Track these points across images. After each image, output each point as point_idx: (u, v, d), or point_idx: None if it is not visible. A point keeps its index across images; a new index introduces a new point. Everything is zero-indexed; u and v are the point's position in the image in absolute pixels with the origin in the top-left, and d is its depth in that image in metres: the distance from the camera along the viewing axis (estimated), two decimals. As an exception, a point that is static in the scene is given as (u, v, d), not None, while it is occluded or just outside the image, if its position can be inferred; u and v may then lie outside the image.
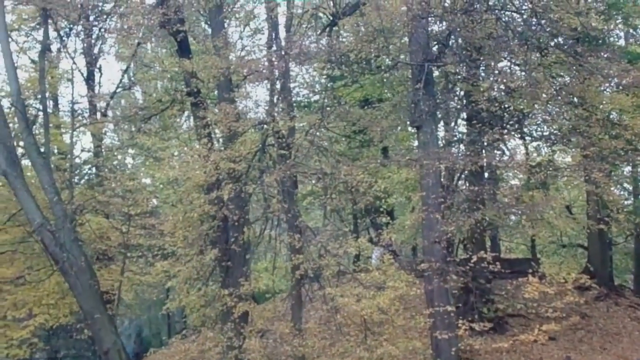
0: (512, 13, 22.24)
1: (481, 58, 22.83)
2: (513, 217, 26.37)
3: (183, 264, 21.31)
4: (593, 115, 24.09)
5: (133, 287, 30.34)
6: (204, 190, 21.87)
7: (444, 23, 22.39)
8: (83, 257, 24.36)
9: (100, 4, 27.32)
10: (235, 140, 21.20)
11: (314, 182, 24.28)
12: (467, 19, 21.12)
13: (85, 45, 30.67)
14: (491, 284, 25.45)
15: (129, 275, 29.14)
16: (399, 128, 29.34)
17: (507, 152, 24.95)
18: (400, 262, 26.08)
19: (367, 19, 22.96)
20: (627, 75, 22.25)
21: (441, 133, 24.86)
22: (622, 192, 33.44)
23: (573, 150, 26.00)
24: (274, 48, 23.03)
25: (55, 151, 31.60)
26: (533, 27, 21.67)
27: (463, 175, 24.24)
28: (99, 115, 33.98)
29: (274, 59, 22.27)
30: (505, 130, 24.19)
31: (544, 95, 23.09)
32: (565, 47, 22.79)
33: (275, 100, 22.79)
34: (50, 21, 27.66)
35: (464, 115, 25.49)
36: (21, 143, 26.66)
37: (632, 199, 33.04)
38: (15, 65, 26.16)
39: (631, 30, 31.13)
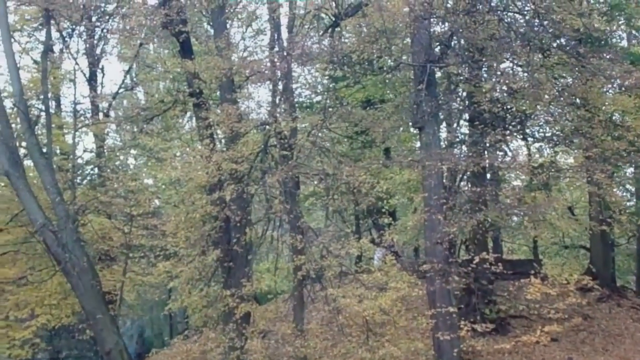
0: (515, 14, 22.22)
1: (483, 59, 22.81)
2: (515, 218, 26.39)
3: (185, 265, 21.30)
4: (595, 117, 24.08)
5: (135, 287, 30.38)
6: (206, 190, 21.88)
7: (447, 24, 22.39)
8: (85, 257, 24.37)
9: (103, 4, 27.33)
10: (238, 141, 21.19)
11: (316, 182, 24.28)
12: (470, 20, 21.12)
13: (87, 45, 30.65)
14: (493, 285, 25.41)
15: (131, 276, 29.16)
16: (401, 129, 29.33)
17: (510, 153, 24.92)
18: (402, 263, 26.03)
19: (369, 20, 22.96)
20: (630, 77, 22.19)
21: (443, 134, 24.90)
22: (624, 194, 33.43)
23: (575, 151, 26.00)
24: (276, 49, 23.04)
25: (58, 152, 31.61)
26: (535, 28, 21.66)
27: (465, 176, 24.24)
28: (101, 115, 34.05)
29: (276, 59, 22.27)
30: (508, 131, 24.17)
31: (546, 97, 23.08)
32: (568, 48, 22.75)
33: (277, 101, 22.82)
34: (52, 22, 27.66)
35: (466, 116, 25.48)
36: (23, 143, 26.71)
37: (635, 200, 33.01)
38: (18, 65, 26.22)
39: (634, 32, 31.07)
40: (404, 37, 23.82)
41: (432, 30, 22.50)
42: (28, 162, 27.24)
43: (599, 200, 25.77)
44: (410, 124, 24.67)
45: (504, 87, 23.06)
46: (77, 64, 31.68)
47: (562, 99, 23.37)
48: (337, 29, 27.03)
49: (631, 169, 31.37)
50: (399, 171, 27.45)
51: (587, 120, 23.87)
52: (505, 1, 22.28)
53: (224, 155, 20.53)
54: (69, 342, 34.63)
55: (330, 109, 25.39)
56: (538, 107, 24.13)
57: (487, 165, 23.70)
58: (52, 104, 31.54)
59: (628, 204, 32.02)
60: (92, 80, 33.58)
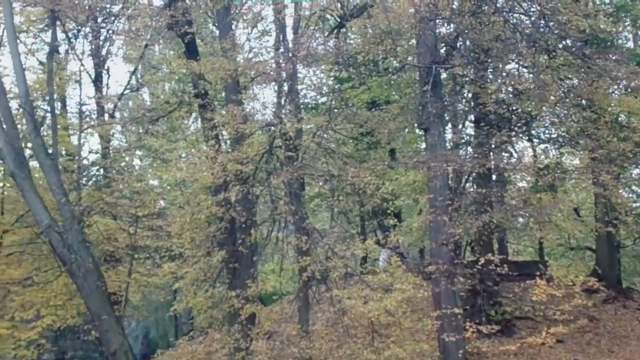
0: (520, 15, 22.19)
1: (489, 60, 22.79)
2: (521, 220, 26.35)
3: (190, 266, 21.30)
4: (601, 118, 24.07)
5: (140, 288, 30.41)
6: (212, 191, 21.89)
7: (452, 25, 22.37)
8: (91, 258, 24.37)
9: (108, 5, 27.32)
10: (243, 142, 21.18)
11: (321, 184, 24.28)
12: (475, 21, 21.09)
13: (93, 46, 30.68)
14: (499, 286, 25.40)
15: (137, 277, 29.20)
16: (407, 130, 29.32)
17: (515, 155, 24.89)
18: (407, 265, 26.06)
19: (374, 21, 22.95)
20: (636, 78, 22.18)
21: (449, 135, 24.83)
22: (630, 195, 33.29)
23: (581, 152, 25.95)
24: (282, 50, 23.03)
25: (63, 152, 31.68)
26: (541, 29, 21.64)
27: (471, 178, 24.22)
28: (106, 116, 34.08)
29: (281, 60, 22.28)
30: (513, 133, 24.16)
31: (552, 98, 23.04)
32: (574, 49, 22.74)
33: (282, 102, 22.81)
34: (58, 23, 27.67)
35: (472, 117, 25.45)
36: (29, 144, 26.71)
37: (641, 201, 32.98)
38: (24, 66, 26.23)
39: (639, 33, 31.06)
40: (409, 38, 23.81)
41: (437, 31, 22.47)
42: (34, 163, 27.23)
43: (605, 201, 25.76)
44: (416, 125, 24.68)
45: (510, 88, 23.05)
46: (82, 65, 31.72)
47: (567, 100, 23.36)
48: (343, 30, 26.97)
49: (637, 170, 31.38)
50: (405, 172, 27.45)
51: (593, 121, 23.85)
52: (510, 2, 22.23)
53: (229, 156, 20.52)
54: (74, 342, 34.65)
55: (335, 110, 25.36)
56: (544, 108, 24.12)
57: (492, 167, 23.67)
58: (58, 105, 31.55)
59: (634, 205, 31.91)
60: (97, 81, 33.66)
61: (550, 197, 23.99)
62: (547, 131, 26.72)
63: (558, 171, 24.78)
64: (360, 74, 28.25)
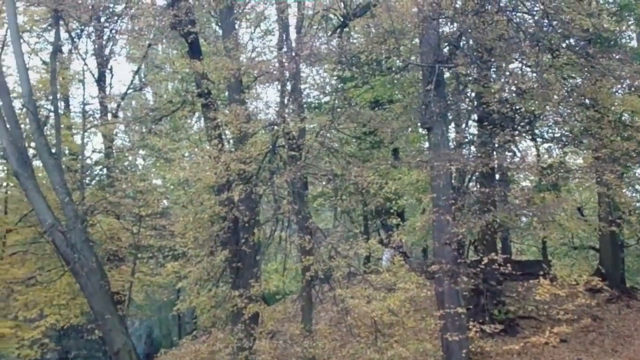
0: (524, 14, 22.15)
1: (492, 59, 22.76)
2: (524, 219, 26.29)
3: (193, 265, 21.30)
4: (605, 117, 24.00)
5: (144, 287, 30.45)
6: (215, 191, 21.91)
7: (455, 24, 22.34)
8: (94, 257, 24.40)
9: (112, 5, 27.35)
10: (246, 142, 21.19)
11: (324, 183, 24.29)
12: (478, 20, 21.07)
13: (96, 46, 30.73)
14: (502, 285, 25.35)
15: (140, 276, 29.22)
16: (410, 129, 29.25)
17: (518, 154, 24.86)
18: (410, 264, 26.01)
19: (377, 20, 22.92)
20: (639, 77, 22.15)
21: (452, 134, 24.83)
22: (634, 194, 33.26)
23: (584, 151, 25.90)
24: (285, 49, 23.03)
25: (67, 152, 31.71)
26: (544, 29, 21.61)
27: (474, 177, 24.21)
28: (109, 116, 34.17)
29: (284, 60, 22.26)
30: (517, 132, 24.13)
31: (555, 97, 23.00)
32: (577, 48, 22.69)
33: (285, 102, 22.81)
34: (61, 22, 27.71)
35: (475, 116, 25.42)
36: (33, 144, 26.76)
37: (644, 200, 32.92)
38: (27, 66, 26.28)
39: (643, 32, 31.00)
40: (412, 37, 23.80)
41: (440, 30, 22.46)
42: (37, 163, 27.29)
43: (609, 200, 25.70)
44: (419, 124, 24.64)
45: (513, 88, 23.02)
46: (86, 64, 31.83)
47: (571, 99, 23.31)
48: (346, 29, 27.02)
49: (641, 169, 31.31)
50: (408, 172, 27.43)
51: (597, 120, 23.80)
52: (514, 1, 22.22)
53: (233, 155, 20.53)
54: (77, 342, 34.72)
55: (338, 110, 25.37)
56: (547, 107, 24.07)
57: (495, 166, 23.65)
58: (61, 104, 31.66)
59: (638, 204, 31.84)
60: (100, 80, 33.71)
61: (553, 197, 23.97)
62: (550, 130, 26.71)
63: (561, 170, 24.75)
64: (364, 73, 28.23)
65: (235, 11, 24.22)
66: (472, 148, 24.80)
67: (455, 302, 20.73)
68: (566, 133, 25.65)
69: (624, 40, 30.22)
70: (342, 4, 23.68)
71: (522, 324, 25.76)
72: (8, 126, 24.17)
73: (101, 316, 23.98)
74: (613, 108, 25.34)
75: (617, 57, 22.85)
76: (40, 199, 24.09)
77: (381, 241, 24.64)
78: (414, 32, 22.71)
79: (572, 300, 21.38)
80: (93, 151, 35.71)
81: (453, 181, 22.32)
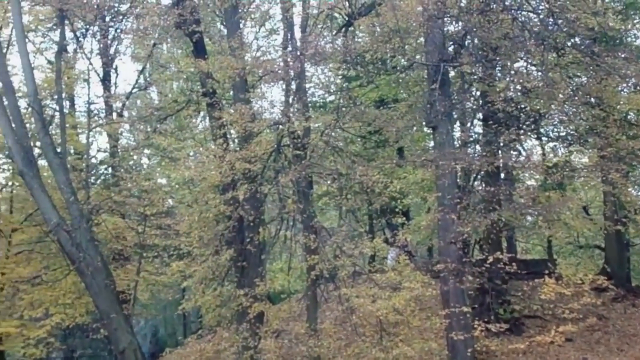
0: (529, 13, 22.12)
1: (497, 58, 22.76)
2: (529, 218, 26.30)
3: (199, 264, 21.31)
4: (610, 116, 23.99)
5: (149, 287, 30.45)
6: (220, 190, 21.91)
7: (460, 23, 22.32)
8: (99, 257, 24.40)
9: (117, 4, 27.36)
10: (251, 141, 21.18)
11: (329, 182, 24.28)
12: (483, 19, 21.04)
13: (101, 45, 30.71)
14: (507, 284, 25.36)
15: (145, 275, 29.22)
16: (415, 128, 29.28)
17: (524, 153, 24.90)
18: (416, 263, 26.04)
19: (382, 19, 22.90)
20: (645, 75, 22.15)
21: (457, 133, 24.78)
22: (639, 193, 33.24)
23: (590, 150, 25.90)
24: (290, 48, 23.01)
25: (72, 151, 31.73)
26: (550, 27, 21.56)
27: (479, 176, 24.19)
28: (115, 115, 34.15)
29: (289, 59, 22.25)
30: (522, 131, 24.12)
31: (560, 96, 22.96)
32: (582, 47, 22.66)
33: (290, 101, 22.79)
34: (66, 22, 27.70)
35: (480, 115, 25.41)
36: (38, 143, 26.74)
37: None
38: (32, 65, 26.26)
39: (649, 30, 30.95)
40: (417, 36, 23.76)
41: (445, 29, 22.45)
42: (42, 162, 27.29)
43: (614, 199, 25.68)
44: (424, 123, 24.66)
45: (518, 87, 22.99)
46: (91, 63, 31.86)
47: (576, 98, 23.27)
48: (351, 28, 26.90)
49: (646, 168, 31.24)
50: (413, 171, 27.44)
51: (602, 119, 23.78)
52: (519, 0, 22.19)
53: (237, 154, 20.53)
54: (83, 341, 34.82)
55: (343, 109, 25.32)
56: (552, 106, 24.04)
57: (501, 165, 23.65)
58: (66, 103, 31.62)
59: (643, 203, 31.84)
60: (105, 80, 33.76)
61: (559, 196, 23.94)
62: (555, 129, 26.68)
63: (567, 169, 24.74)
64: (368, 73, 28.22)
65: (240, 10, 24.20)
66: (477, 147, 24.82)
67: (460, 301, 20.72)
68: (571, 132, 25.64)
69: (629, 39, 30.18)
70: (347, 3, 23.62)
71: (527, 323, 25.76)
72: (13, 125, 24.18)
73: (106, 315, 23.97)
74: (618, 107, 25.34)
75: (623, 55, 22.79)
76: (45, 198, 24.10)
77: (386, 240, 24.68)
78: (419, 31, 22.70)
79: (578, 299, 21.34)
80: (98, 150, 35.86)
81: (458, 180, 22.31)
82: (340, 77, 31.51)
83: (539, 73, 22.56)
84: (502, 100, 21.91)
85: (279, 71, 22.17)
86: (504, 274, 23.05)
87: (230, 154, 20.58)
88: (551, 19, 21.53)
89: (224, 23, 27.20)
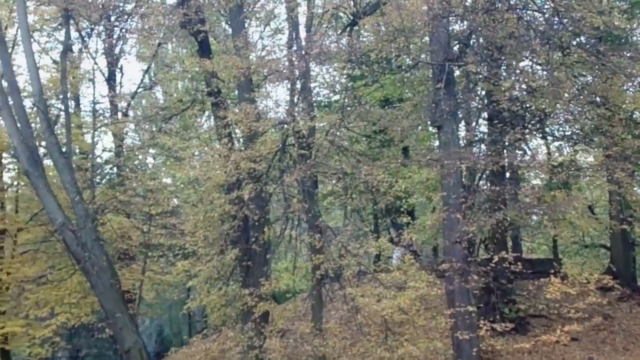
0: (534, 12, 22.07)
1: (502, 57, 22.68)
2: (535, 217, 26.23)
3: (204, 264, 21.33)
4: (616, 115, 23.94)
5: (154, 286, 30.53)
6: (225, 190, 21.93)
7: (465, 22, 22.28)
8: (104, 256, 24.46)
9: (122, 4, 27.41)
10: (256, 140, 21.20)
11: (334, 182, 24.24)
12: (489, 18, 21.00)
13: (106, 45, 30.77)
14: (513, 284, 25.33)
15: (150, 275, 29.29)
16: (420, 128, 29.20)
17: (529, 152, 24.84)
18: (421, 262, 26.00)
19: (387, 19, 22.85)
20: (650, 75, 22.11)
21: (462, 133, 24.76)
22: (645, 192, 33.18)
23: (595, 150, 25.84)
24: (295, 48, 23.00)
25: (77, 151, 31.82)
26: (555, 26, 21.51)
27: (484, 175, 24.16)
28: (120, 115, 34.24)
29: (294, 58, 22.23)
30: (527, 130, 24.07)
31: (566, 95, 22.90)
32: (588, 46, 22.59)
33: (295, 100, 22.78)
34: (71, 22, 27.77)
35: (485, 114, 25.36)
36: (43, 143, 26.82)
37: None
38: (37, 65, 26.34)
39: (654, 29, 30.84)
40: (422, 35, 23.73)
41: (450, 28, 22.43)
42: (48, 162, 27.36)
43: (620, 199, 25.66)
44: (429, 122, 24.57)
45: (523, 86, 22.95)
46: (96, 63, 32.06)
47: (581, 97, 23.19)
48: (355, 27, 26.95)
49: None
50: (418, 170, 27.42)
51: (607, 118, 23.72)
52: (524, -1, 22.18)
53: (242, 154, 20.54)
54: (88, 340, 34.91)
55: (348, 108, 25.34)
56: (557, 105, 23.97)
57: (506, 164, 23.59)
58: (72, 103, 31.72)
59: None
60: (111, 79, 33.82)
61: (564, 195, 23.89)
62: (561, 128, 26.60)
63: (572, 169, 24.71)
64: (373, 72, 28.19)
65: (245, 10, 24.23)
66: (483, 146, 24.77)
67: (465, 301, 20.68)
68: (577, 131, 25.58)
69: (634, 38, 30.03)
70: (352, 2, 23.66)
71: (532, 322, 25.73)
72: (19, 125, 24.26)
73: (112, 315, 24.03)
74: (624, 106, 25.29)
75: (628, 54, 22.70)
76: (50, 198, 24.16)
77: (391, 240, 24.64)
78: (424, 30, 22.65)
79: (583, 299, 21.28)
80: (103, 150, 35.90)
81: (463, 179, 22.26)
82: (345, 76, 31.50)
83: (544, 72, 22.51)
84: (507, 99, 21.87)
85: (284, 70, 22.15)
86: (509, 273, 23.03)
87: (235, 154, 20.58)
88: (556, 18, 21.47)
89: (229, 22, 27.21)
